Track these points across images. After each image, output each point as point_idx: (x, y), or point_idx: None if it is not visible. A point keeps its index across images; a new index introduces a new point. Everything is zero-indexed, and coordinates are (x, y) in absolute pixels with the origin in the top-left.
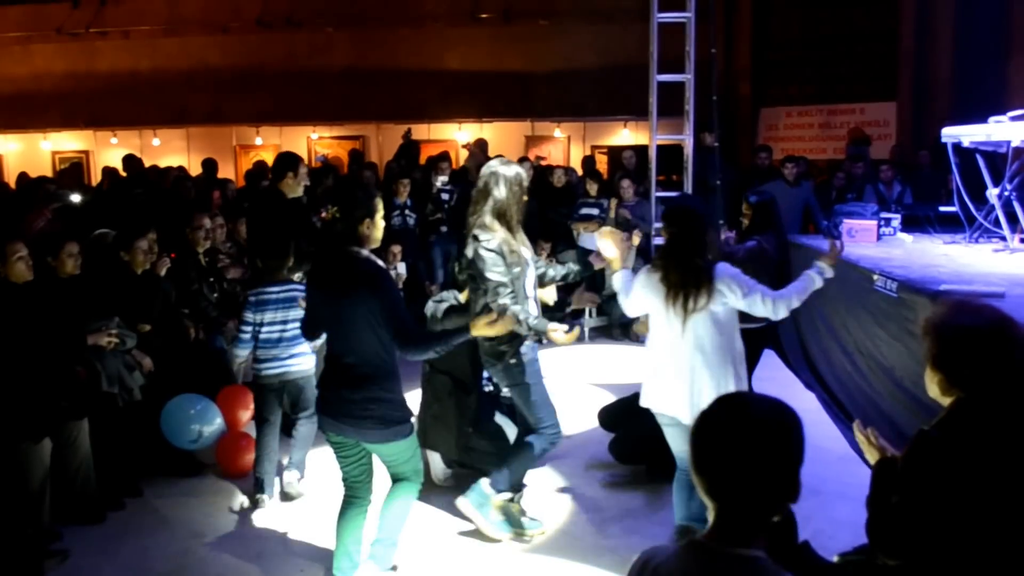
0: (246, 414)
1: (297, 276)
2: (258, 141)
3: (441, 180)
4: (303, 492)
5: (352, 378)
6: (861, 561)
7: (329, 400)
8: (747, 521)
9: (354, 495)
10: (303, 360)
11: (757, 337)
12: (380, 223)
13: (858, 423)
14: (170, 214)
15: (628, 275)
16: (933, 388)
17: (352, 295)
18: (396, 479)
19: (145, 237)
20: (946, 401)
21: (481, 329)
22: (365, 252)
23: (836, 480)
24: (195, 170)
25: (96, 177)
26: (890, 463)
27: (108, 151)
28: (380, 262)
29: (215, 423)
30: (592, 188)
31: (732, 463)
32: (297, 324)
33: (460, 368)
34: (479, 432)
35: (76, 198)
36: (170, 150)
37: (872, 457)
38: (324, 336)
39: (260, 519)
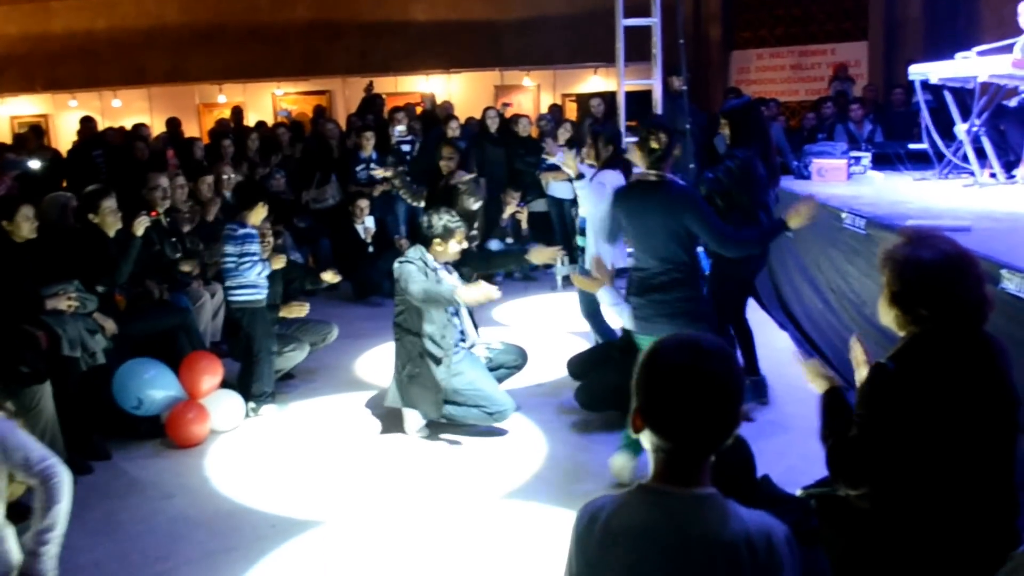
0: (211, 381)
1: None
2: (221, 99)
3: (398, 131)
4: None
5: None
6: (823, 493)
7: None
8: (697, 460)
9: None
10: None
11: None
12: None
13: (797, 353)
14: (128, 175)
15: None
16: (888, 320)
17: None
18: None
19: (111, 197)
20: (902, 332)
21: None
22: (670, 175)
23: (807, 418)
24: (158, 130)
25: (56, 141)
26: (837, 393)
27: (67, 114)
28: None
29: (163, 391)
30: (562, 136)
31: (691, 405)
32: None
33: (423, 328)
34: (455, 392)
35: (35, 164)
36: (131, 111)
37: (819, 387)
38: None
39: (231, 477)
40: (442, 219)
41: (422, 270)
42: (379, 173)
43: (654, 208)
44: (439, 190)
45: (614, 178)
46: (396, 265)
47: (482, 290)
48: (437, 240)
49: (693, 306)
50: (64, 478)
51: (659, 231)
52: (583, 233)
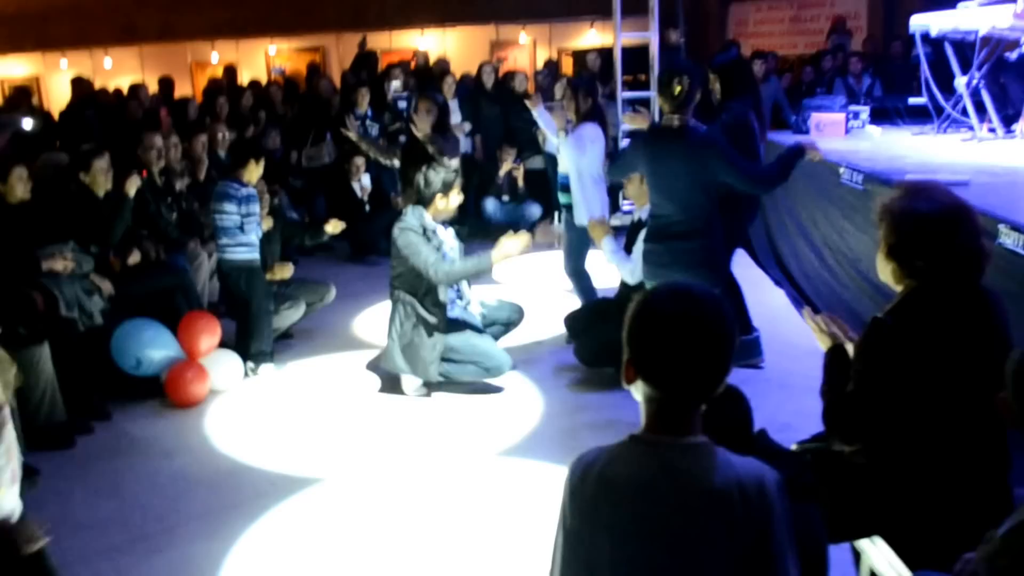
0: (209, 341)
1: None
2: (214, 58)
3: (394, 86)
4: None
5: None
6: (818, 448)
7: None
8: (687, 409)
9: None
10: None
11: None
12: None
13: (807, 310)
14: (121, 135)
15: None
16: (886, 274)
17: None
18: None
19: (104, 157)
20: (899, 287)
21: None
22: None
23: (803, 374)
24: (150, 90)
25: (48, 102)
26: (841, 350)
27: (58, 75)
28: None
29: (162, 351)
30: (559, 91)
31: (682, 353)
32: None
33: (419, 291)
34: (451, 349)
35: (28, 124)
36: (123, 71)
37: (824, 344)
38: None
39: (231, 436)
40: (439, 174)
41: (423, 236)
42: (350, 135)
43: (678, 155)
44: (419, 148)
45: (593, 131)
46: (396, 232)
47: (513, 245)
48: (439, 195)
49: (711, 256)
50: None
51: (682, 178)
52: (565, 190)
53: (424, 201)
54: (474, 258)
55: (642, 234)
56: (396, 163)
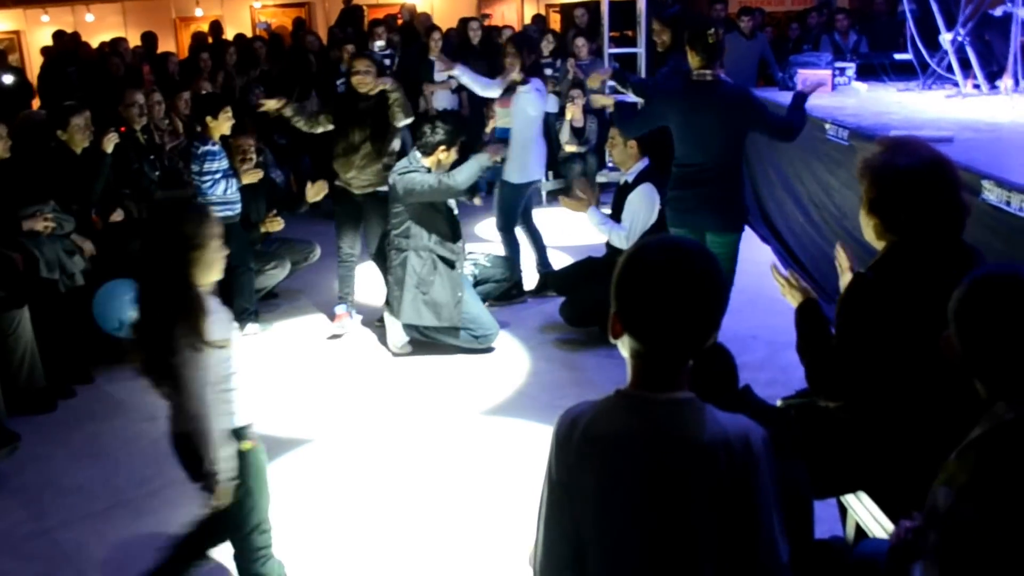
0: None
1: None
2: (198, 12)
3: (378, 45)
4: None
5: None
6: (803, 404)
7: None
8: (674, 364)
9: None
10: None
11: None
12: None
13: (774, 265)
14: (103, 91)
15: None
16: (868, 232)
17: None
18: None
19: (82, 114)
20: (881, 244)
21: None
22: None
23: (788, 330)
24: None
25: (29, 58)
26: (813, 305)
27: (40, 30)
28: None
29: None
30: (546, 48)
31: (668, 305)
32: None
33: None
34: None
35: (8, 79)
36: (105, 26)
37: (794, 299)
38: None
39: None
40: (447, 124)
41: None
42: (269, 105)
43: (712, 108)
44: (357, 111)
45: (541, 86)
46: (394, 179)
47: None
48: (441, 147)
49: (735, 197)
50: None
51: (715, 130)
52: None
53: (426, 148)
54: (471, 161)
55: (639, 191)
56: (319, 131)
